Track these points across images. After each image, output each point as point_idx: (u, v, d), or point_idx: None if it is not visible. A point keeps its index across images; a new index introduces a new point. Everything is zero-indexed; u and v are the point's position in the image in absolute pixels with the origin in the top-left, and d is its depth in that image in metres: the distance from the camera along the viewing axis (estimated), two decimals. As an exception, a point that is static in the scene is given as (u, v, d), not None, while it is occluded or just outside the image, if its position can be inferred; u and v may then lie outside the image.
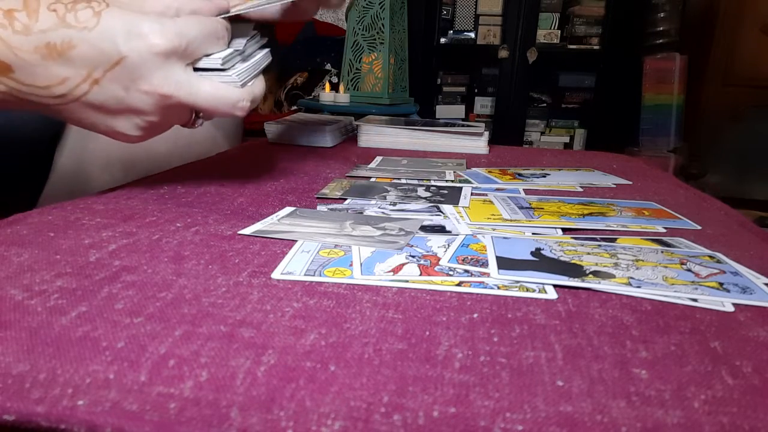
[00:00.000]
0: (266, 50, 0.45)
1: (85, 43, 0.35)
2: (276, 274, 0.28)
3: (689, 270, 0.31)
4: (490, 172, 0.61)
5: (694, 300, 0.27)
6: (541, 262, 0.31)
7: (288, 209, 0.42)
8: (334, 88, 1.82)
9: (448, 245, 0.34)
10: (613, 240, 0.36)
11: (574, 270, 0.30)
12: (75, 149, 0.58)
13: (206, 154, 0.64)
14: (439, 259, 0.31)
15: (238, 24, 0.42)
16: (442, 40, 2.49)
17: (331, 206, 0.43)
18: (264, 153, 0.67)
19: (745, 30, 2.33)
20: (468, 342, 0.22)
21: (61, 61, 0.35)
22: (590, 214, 0.43)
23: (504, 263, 0.31)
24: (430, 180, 0.55)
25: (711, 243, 0.37)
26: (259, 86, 0.42)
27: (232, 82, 0.39)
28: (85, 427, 0.17)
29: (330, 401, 0.18)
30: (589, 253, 0.33)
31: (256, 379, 0.19)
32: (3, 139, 0.51)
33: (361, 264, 0.30)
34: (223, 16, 0.41)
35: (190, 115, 0.42)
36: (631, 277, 0.29)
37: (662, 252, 0.34)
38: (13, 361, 0.19)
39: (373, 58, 1.79)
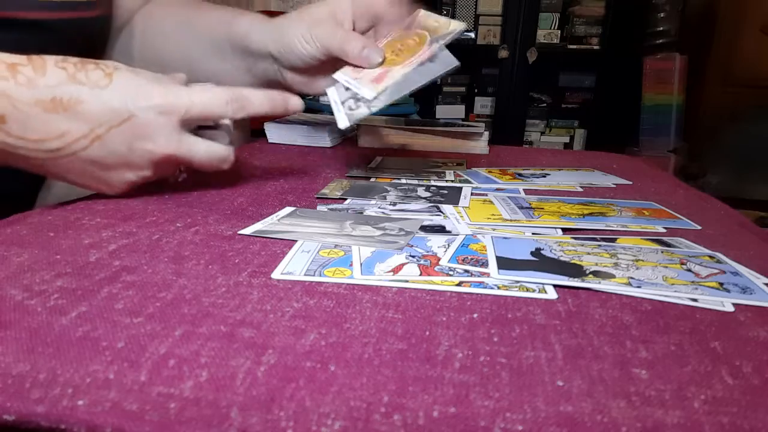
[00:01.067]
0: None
1: (96, 100, 0.37)
2: (276, 274, 0.28)
3: (689, 270, 0.31)
4: (490, 172, 0.61)
5: (694, 300, 0.27)
6: (541, 262, 0.31)
7: (288, 209, 0.42)
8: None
9: (448, 245, 0.34)
10: (613, 240, 0.36)
11: (574, 270, 0.30)
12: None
13: None
14: (439, 259, 0.31)
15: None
16: (442, 40, 2.49)
17: (331, 206, 0.43)
18: (264, 153, 0.67)
19: (745, 30, 2.33)
20: (468, 342, 0.22)
21: (66, 116, 0.36)
22: (590, 214, 0.43)
23: (504, 263, 0.31)
24: (430, 180, 0.55)
25: (711, 243, 0.37)
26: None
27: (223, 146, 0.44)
28: (85, 427, 0.17)
29: (330, 401, 0.18)
30: (589, 253, 0.33)
31: (256, 379, 0.19)
32: None
33: (361, 264, 0.30)
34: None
35: (177, 169, 0.45)
36: (631, 277, 0.29)
37: (662, 252, 0.34)
38: (13, 361, 0.19)
39: (373, 58, 1.79)
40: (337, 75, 0.50)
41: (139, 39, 0.60)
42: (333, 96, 0.48)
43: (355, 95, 0.46)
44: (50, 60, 0.36)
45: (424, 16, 0.50)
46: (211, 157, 0.42)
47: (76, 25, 0.49)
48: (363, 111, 0.45)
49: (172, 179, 0.45)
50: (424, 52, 0.46)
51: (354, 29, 0.51)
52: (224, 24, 0.55)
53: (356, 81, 0.46)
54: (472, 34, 2.47)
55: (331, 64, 0.51)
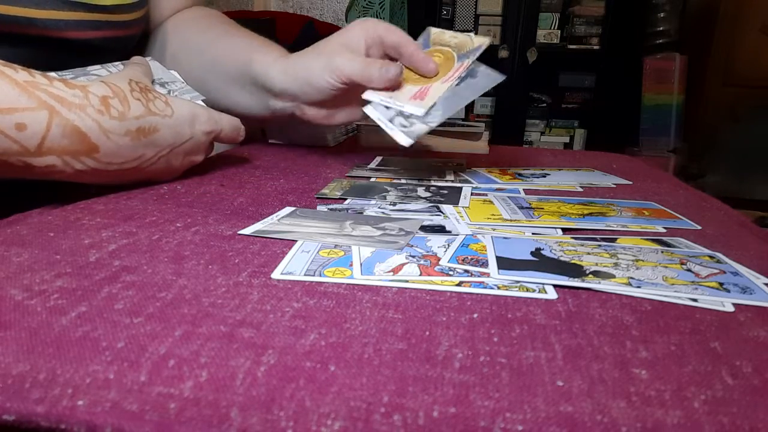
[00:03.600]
0: None
1: (167, 127, 0.44)
2: (276, 274, 0.28)
3: (689, 270, 0.31)
4: (490, 172, 0.61)
5: (694, 300, 0.27)
6: (541, 262, 0.31)
7: (288, 209, 0.42)
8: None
9: (448, 245, 0.34)
10: (613, 240, 0.36)
11: (574, 270, 0.30)
12: None
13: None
14: (439, 259, 0.31)
15: None
16: (442, 40, 2.49)
17: (331, 206, 0.43)
18: (264, 153, 0.67)
19: (745, 30, 2.33)
20: (468, 342, 0.22)
21: (144, 142, 0.42)
22: (590, 214, 0.43)
23: (504, 263, 0.31)
24: (430, 180, 0.55)
25: (711, 243, 0.37)
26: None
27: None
28: (85, 427, 0.17)
29: (330, 401, 0.18)
30: (589, 253, 0.33)
31: (256, 379, 0.19)
32: None
33: (361, 264, 0.30)
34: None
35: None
36: (631, 277, 0.29)
37: (662, 252, 0.34)
38: (13, 361, 0.19)
39: (373, 58, 1.79)
40: (368, 95, 0.51)
41: (166, 55, 0.65)
42: (374, 115, 0.49)
43: (401, 113, 0.47)
44: (125, 89, 0.41)
45: (438, 33, 0.50)
46: (236, 132, 0.52)
47: (116, 43, 0.53)
48: (421, 127, 0.46)
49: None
50: (458, 68, 0.46)
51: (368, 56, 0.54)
52: (244, 60, 0.59)
53: (392, 99, 0.47)
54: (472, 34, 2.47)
55: (348, 94, 0.54)
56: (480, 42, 0.45)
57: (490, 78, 0.45)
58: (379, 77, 0.50)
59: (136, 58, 0.49)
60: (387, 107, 0.48)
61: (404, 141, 0.46)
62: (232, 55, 0.60)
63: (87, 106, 0.38)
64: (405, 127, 0.46)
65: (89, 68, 0.47)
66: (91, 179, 0.41)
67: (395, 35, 0.53)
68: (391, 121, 0.47)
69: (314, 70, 0.53)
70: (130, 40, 0.58)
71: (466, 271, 0.30)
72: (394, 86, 0.50)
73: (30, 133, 0.35)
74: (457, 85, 0.46)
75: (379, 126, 0.48)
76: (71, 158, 0.38)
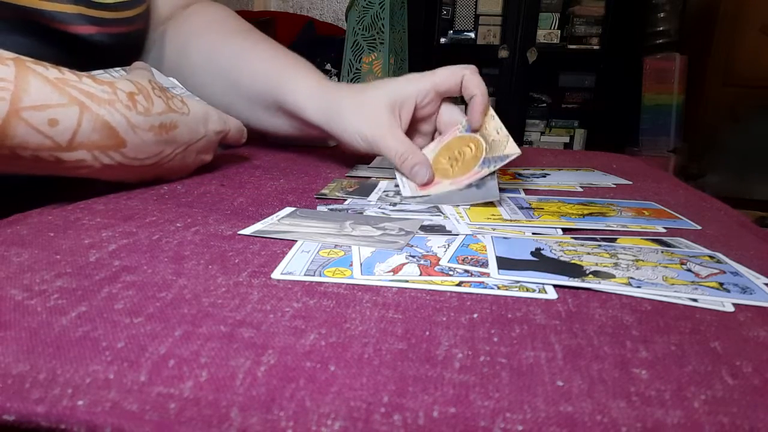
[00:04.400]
0: None
1: (184, 125, 0.45)
2: (276, 274, 0.28)
3: (689, 270, 0.31)
4: (490, 172, 0.61)
5: (694, 300, 0.27)
6: (541, 262, 0.31)
7: (288, 209, 0.42)
8: (334, 88, 1.81)
9: (448, 245, 0.34)
10: (613, 240, 0.36)
11: (574, 270, 0.30)
12: None
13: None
14: (439, 259, 0.31)
15: None
16: (442, 40, 2.49)
17: (331, 206, 0.43)
18: (264, 153, 0.67)
19: (745, 30, 2.33)
20: (468, 342, 0.22)
21: (164, 138, 0.43)
22: (590, 214, 0.43)
23: (504, 263, 0.31)
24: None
25: (711, 243, 0.37)
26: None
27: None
28: (85, 427, 0.17)
29: (330, 401, 0.18)
30: (589, 253, 0.33)
31: (256, 379, 0.19)
32: None
33: (361, 264, 0.30)
34: None
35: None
36: (631, 277, 0.29)
37: (662, 252, 0.34)
38: (13, 361, 0.19)
39: (373, 58, 1.79)
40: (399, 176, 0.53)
41: (167, 62, 0.63)
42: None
43: (398, 189, 0.49)
44: (147, 86, 0.43)
45: (490, 117, 0.51)
46: (240, 133, 0.54)
47: (119, 39, 0.53)
48: (410, 195, 0.48)
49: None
50: (476, 173, 0.47)
51: (415, 109, 0.52)
52: (273, 85, 0.57)
53: (407, 182, 0.50)
54: (472, 34, 2.47)
55: None
56: (511, 152, 0.46)
57: (487, 194, 0.45)
58: (408, 172, 0.49)
59: (138, 64, 0.50)
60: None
61: (404, 193, 0.48)
62: (261, 79, 0.58)
63: (116, 102, 0.39)
64: (397, 191, 0.49)
65: (94, 73, 0.47)
66: (116, 175, 0.42)
67: (476, 88, 0.50)
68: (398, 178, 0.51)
69: (348, 127, 0.51)
70: (134, 38, 0.57)
71: (466, 271, 0.30)
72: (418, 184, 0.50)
73: (62, 129, 0.36)
74: (460, 190, 0.47)
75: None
76: (100, 153, 0.39)
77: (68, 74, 0.37)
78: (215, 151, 0.52)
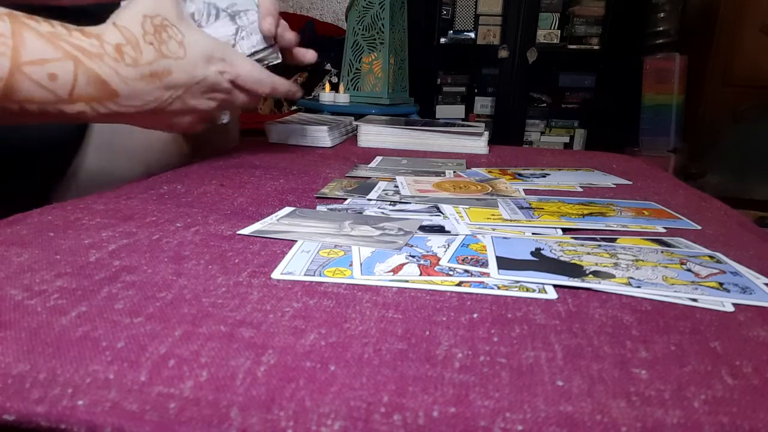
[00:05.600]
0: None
1: (180, 69, 0.45)
2: (276, 274, 0.28)
3: (689, 270, 0.31)
4: (490, 172, 0.61)
5: (694, 300, 0.27)
6: (541, 262, 0.31)
7: (287, 209, 0.42)
8: (334, 88, 1.81)
9: (448, 245, 0.34)
10: (613, 240, 0.36)
11: (574, 270, 0.30)
12: (99, 148, 0.60)
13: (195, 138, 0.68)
14: (439, 259, 0.31)
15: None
16: (442, 40, 2.49)
17: (330, 206, 0.43)
18: (264, 153, 0.67)
19: (745, 30, 2.33)
20: (468, 342, 0.22)
21: (159, 85, 0.44)
22: (590, 214, 0.43)
23: (504, 263, 0.31)
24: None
25: (711, 243, 0.37)
26: (279, 82, 0.55)
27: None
28: (85, 427, 0.17)
29: (330, 401, 0.18)
30: (589, 253, 0.33)
31: (256, 379, 0.19)
32: (21, 141, 0.53)
33: (361, 264, 0.30)
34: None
35: (222, 112, 0.55)
36: (631, 277, 0.29)
37: (662, 252, 0.34)
38: (13, 361, 0.19)
39: (373, 58, 1.79)
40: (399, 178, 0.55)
41: None
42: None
43: (397, 189, 0.50)
44: (138, 34, 0.43)
45: (504, 182, 0.55)
46: (254, 83, 0.52)
47: (112, 8, 0.53)
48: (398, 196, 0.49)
49: (217, 121, 0.56)
50: (477, 195, 0.49)
51: None
52: None
53: (408, 185, 0.52)
54: (472, 34, 2.47)
55: None
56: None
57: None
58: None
59: None
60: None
61: (405, 192, 0.49)
62: None
63: (104, 55, 0.40)
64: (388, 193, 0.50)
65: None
66: (116, 120, 0.44)
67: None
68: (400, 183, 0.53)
69: None
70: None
71: (466, 271, 0.30)
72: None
73: (61, 83, 0.38)
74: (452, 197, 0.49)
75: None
76: (97, 104, 0.41)
77: (59, 28, 0.38)
78: (233, 95, 0.51)
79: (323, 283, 0.28)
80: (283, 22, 0.56)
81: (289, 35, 0.56)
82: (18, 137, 0.52)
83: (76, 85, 0.38)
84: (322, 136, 0.76)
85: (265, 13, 0.54)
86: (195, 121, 0.50)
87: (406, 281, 0.28)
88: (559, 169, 0.65)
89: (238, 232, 0.35)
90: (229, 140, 0.72)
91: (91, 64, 0.39)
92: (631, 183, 0.58)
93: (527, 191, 0.52)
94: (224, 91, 0.50)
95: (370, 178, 0.55)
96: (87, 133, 0.58)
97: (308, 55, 0.59)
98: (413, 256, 0.32)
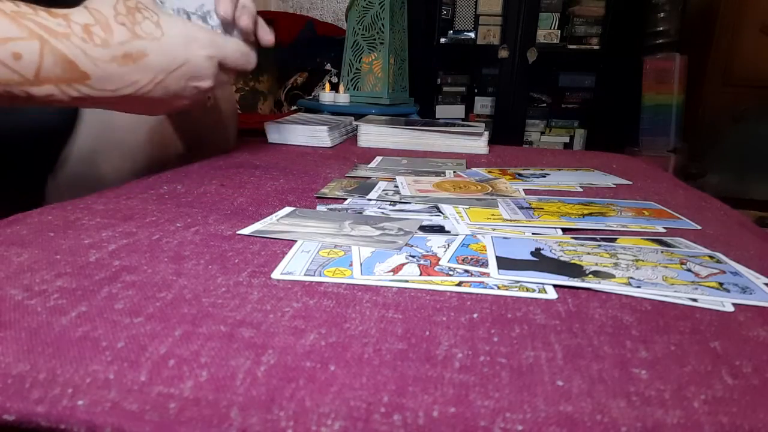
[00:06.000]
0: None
1: (158, 51, 0.43)
2: (276, 274, 0.28)
3: (689, 270, 0.31)
4: (490, 172, 0.61)
5: (694, 300, 0.27)
6: (541, 262, 0.31)
7: (287, 209, 0.42)
8: (334, 88, 1.82)
9: (448, 245, 0.34)
10: (613, 240, 0.36)
11: (574, 270, 0.30)
12: (88, 139, 0.59)
13: (194, 138, 0.67)
14: (439, 259, 0.31)
15: None
16: (442, 40, 2.49)
17: (330, 206, 0.43)
18: (264, 153, 0.67)
19: (745, 30, 2.33)
20: (468, 342, 0.22)
21: (135, 67, 0.42)
22: (590, 214, 0.43)
23: (504, 263, 0.31)
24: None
25: (711, 243, 0.37)
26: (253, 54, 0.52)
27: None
28: (85, 427, 0.17)
29: (330, 401, 0.18)
30: (589, 253, 0.33)
31: (256, 379, 0.19)
32: (13, 130, 0.53)
33: (361, 264, 0.30)
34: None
35: (209, 97, 0.53)
36: (631, 277, 0.29)
37: (662, 252, 0.34)
38: (13, 361, 0.19)
39: (373, 58, 1.79)
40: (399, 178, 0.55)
41: None
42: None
43: (397, 189, 0.51)
44: (109, 15, 0.41)
45: (504, 182, 0.55)
46: (243, 60, 0.50)
47: None
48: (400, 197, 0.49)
49: (204, 103, 0.54)
50: (477, 195, 0.49)
51: None
52: None
53: (408, 185, 0.52)
54: (472, 34, 2.47)
55: None
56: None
57: None
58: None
59: None
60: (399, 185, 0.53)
61: (405, 192, 0.49)
62: None
63: (71, 35, 0.39)
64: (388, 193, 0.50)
65: None
66: (91, 105, 0.42)
67: None
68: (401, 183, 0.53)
69: None
70: None
71: (466, 271, 0.30)
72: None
73: (26, 63, 0.37)
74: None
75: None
76: (66, 86, 0.39)
77: (24, 7, 0.37)
78: (216, 78, 0.48)
79: (323, 283, 0.28)
80: (245, 5, 0.51)
81: (245, 20, 0.51)
82: (7, 127, 0.51)
83: (43, 66, 0.37)
84: (322, 136, 0.76)
85: None
86: (178, 106, 0.48)
87: (406, 281, 0.28)
88: (559, 169, 0.65)
89: (238, 232, 0.35)
90: (228, 141, 0.72)
91: (58, 44, 0.38)
92: (631, 183, 0.58)
93: (527, 191, 0.52)
94: (210, 76, 0.47)
95: (370, 178, 0.55)
96: (77, 122, 0.58)
97: (267, 36, 0.54)
98: (413, 256, 0.32)
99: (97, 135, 0.59)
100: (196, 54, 0.45)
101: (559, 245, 0.34)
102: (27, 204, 0.38)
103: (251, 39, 0.52)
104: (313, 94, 2.30)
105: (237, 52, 0.49)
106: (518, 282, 0.28)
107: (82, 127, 0.58)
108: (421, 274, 0.29)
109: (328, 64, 2.33)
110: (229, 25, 0.50)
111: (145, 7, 0.43)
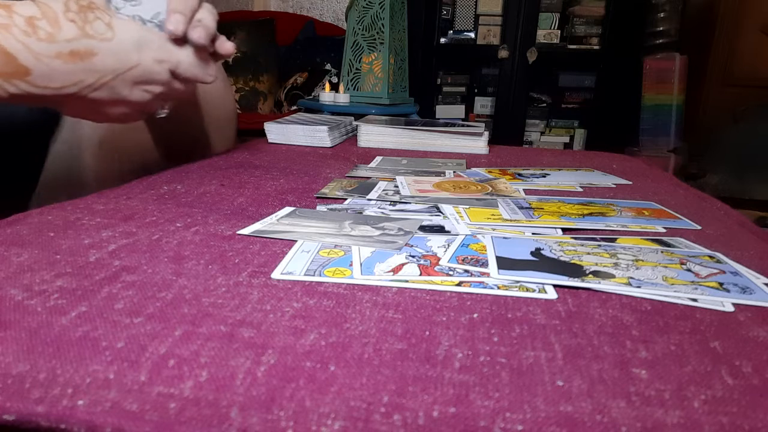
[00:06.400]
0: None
1: (107, 52, 0.41)
2: (276, 274, 0.28)
3: (689, 270, 0.31)
4: (490, 172, 0.61)
5: (694, 300, 0.27)
6: (541, 262, 0.31)
7: (287, 209, 0.42)
8: (334, 88, 1.81)
9: (448, 245, 0.34)
10: (613, 240, 0.36)
11: (574, 270, 0.30)
12: (69, 139, 0.59)
13: (194, 141, 0.66)
14: (439, 259, 0.31)
15: None
16: (442, 40, 2.49)
17: (330, 206, 0.43)
18: (264, 153, 0.67)
19: (745, 30, 2.33)
20: (468, 342, 0.22)
21: (81, 66, 0.40)
22: (590, 214, 0.43)
23: (504, 263, 0.31)
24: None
25: (711, 243, 0.37)
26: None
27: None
28: (85, 427, 0.17)
29: (330, 401, 0.18)
30: (589, 253, 0.33)
31: (256, 379, 0.19)
32: None
33: (361, 264, 0.30)
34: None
35: (161, 105, 0.49)
36: (631, 277, 0.29)
37: (662, 252, 0.34)
38: (13, 361, 0.19)
39: (373, 58, 1.79)
40: (399, 178, 0.55)
41: None
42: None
43: (397, 189, 0.51)
44: (58, 10, 0.39)
45: (504, 182, 0.55)
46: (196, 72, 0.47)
47: None
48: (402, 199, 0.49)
49: (155, 114, 0.50)
50: (477, 195, 0.49)
51: None
52: None
53: (408, 185, 0.52)
54: (472, 34, 2.47)
55: None
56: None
57: None
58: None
59: None
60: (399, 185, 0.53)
61: (405, 192, 0.49)
62: None
63: (11, 27, 0.37)
64: (392, 196, 0.49)
65: None
66: (31, 103, 0.41)
67: None
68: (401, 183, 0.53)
69: None
70: None
71: (466, 271, 0.30)
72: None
73: None
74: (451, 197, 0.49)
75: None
76: (3, 81, 0.37)
77: None
78: (168, 85, 0.45)
79: (323, 283, 0.28)
80: (201, 20, 0.47)
81: (197, 32, 0.47)
82: None
83: None
84: (322, 136, 0.76)
85: (172, 10, 0.46)
86: (130, 112, 0.46)
87: (406, 281, 0.28)
88: (559, 169, 0.65)
89: (238, 232, 0.35)
90: (228, 141, 0.72)
91: None
92: (631, 183, 0.58)
93: (527, 191, 0.52)
94: (161, 82, 0.45)
95: (370, 178, 0.55)
96: (58, 128, 0.58)
97: (226, 45, 0.50)
98: (413, 256, 0.32)
99: (78, 135, 0.58)
100: (148, 58, 0.43)
101: (559, 245, 0.34)
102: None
103: (206, 54, 0.49)
104: (313, 94, 2.30)
105: (191, 60, 0.46)
106: (518, 282, 0.28)
107: (63, 130, 0.58)
108: (421, 274, 0.29)
109: (328, 64, 2.33)
110: (179, 41, 0.47)
111: (98, 8, 0.42)
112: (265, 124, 0.78)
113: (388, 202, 0.45)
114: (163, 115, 0.50)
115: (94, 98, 0.42)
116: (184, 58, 0.46)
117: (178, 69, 0.45)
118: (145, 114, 0.48)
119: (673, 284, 0.29)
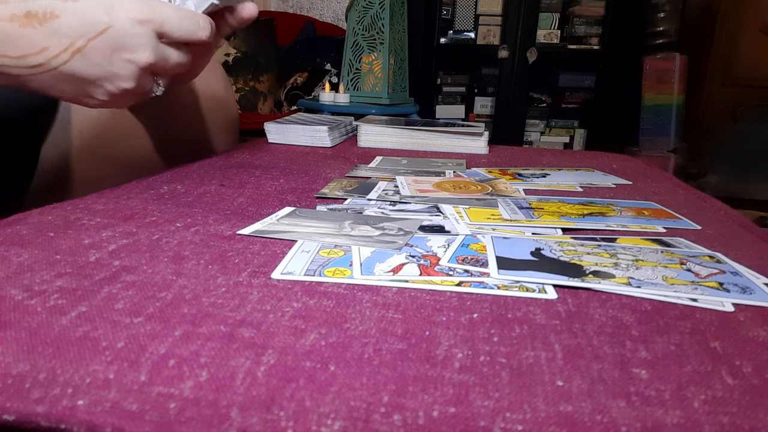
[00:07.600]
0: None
1: (70, 13, 0.36)
2: (276, 274, 0.28)
3: (689, 270, 0.31)
4: (490, 172, 0.61)
5: (694, 300, 0.27)
6: (541, 262, 0.31)
7: (287, 209, 0.42)
8: (334, 88, 1.81)
9: (448, 245, 0.34)
10: (613, 240, 0.36)
11: (574, 270, 0.30)
12: (60, 141, 0.57)
13: (196, 144, 0.65)
14: (439, 259, 0.31)
15: None
16: (442, 40, 2.49)
17: (330, 206, 0.43)
18: (264, 153, 0.67)
19: (744, 30, 2.33)
20: (468, 342, 0.22)
21: (43, 30, 0.36)
22: (590, 214, 0.43)
23: (504, 263, 0.31)
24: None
25: (711, 243, 0.37)
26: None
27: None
28: (85, 427, 0.17)
29: (330, 401, 0.18)
30: (589, 253, 0.33)
31: (256, 379, 0.19)
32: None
33: (361, 264, 0.30)
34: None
35: (155, 81, 0.43)
36: (631, 277, 0.29)
37: (662, 252, 0.34)
38: (13, 361, 0.19)
39: (373, 58, 1.78)
40: (399, 178, 0.55)
41: None
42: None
43: (397, 189, 0.51)
44: None
45: (504, 182, 0.55)
46: (187, 26, 0.41)
47: None
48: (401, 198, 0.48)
49: (150, 93, 0.44)
50: (477, 195, 0.49)
51: None
52: None
53: (408, 185, 0.52)
54: (472, 34, 2.47)
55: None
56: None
57: None
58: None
59: None
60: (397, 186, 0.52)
61: (405, 192, 0.49)
62: None
63: None
64: (389, 193, 0.50)
65: None
66: (6, 82, 0.37)
67: None
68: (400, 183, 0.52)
69: None
70: None
71: (466, 271, 0.30)
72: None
73: None
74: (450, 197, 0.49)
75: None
76: None
77: None
78: (154, 49, 0.39)
79: (323, 283, 0.28)
80: None
81: None
82: None
83: None
84: (322, 136, 0.76)
85: None
86: (119, 92, 0.40)
87: (406, 281, 0.28)
88: (559, 169, 0.64)
89: (238, 232, 0.35)
90: (230, 144, 0.72)
91: None
92: (631, 183, 0.58)
93: (527, 191, 0.52)
94: (148, 46, 0.38)
95: (370, 178, 0.55)
96: (49, 128, 0.55)
97: (248, 7, 0.46)
98: (413, 256, 0.32)
99: (68, 137, 0.56)
100: (122, 17, 0.37)
101: (559, 245, 0.34)
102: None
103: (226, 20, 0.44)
104: (313, 94, 2.30)
105: (178, 14, 0.40)
106: (518, 282, 0.28)
107: (53, 131, 0.56)
108: (421, 274, 0.29)
109: (328, 64, 2.33)
110: None
111: None
112: (265, 124, 0.79)
113: (388, 202, 0.45)
114: (159, 93, 0.44)
115: (71, 72, 0.37)
116: (170, 14, 0.39)
117: (164, 28, 0.39)
118: (139, 95, 0.42)
119: (673, 284, 0.29)
